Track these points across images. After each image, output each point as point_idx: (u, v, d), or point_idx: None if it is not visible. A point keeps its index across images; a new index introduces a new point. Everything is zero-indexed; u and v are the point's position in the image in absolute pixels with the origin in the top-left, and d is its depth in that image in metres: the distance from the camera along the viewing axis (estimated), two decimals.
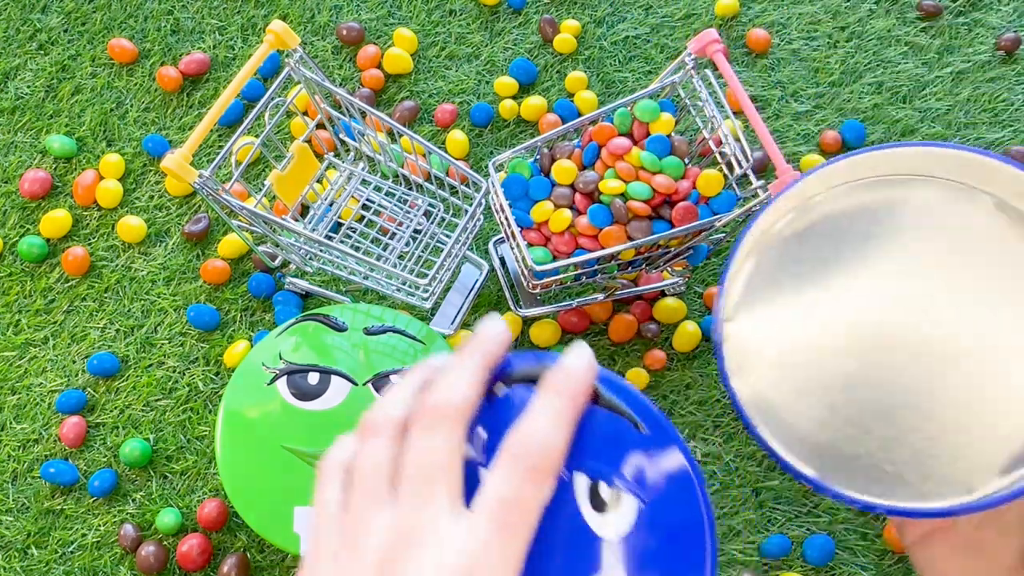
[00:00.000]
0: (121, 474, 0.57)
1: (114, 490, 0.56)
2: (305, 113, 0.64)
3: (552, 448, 0.27)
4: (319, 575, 0.26)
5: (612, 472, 0.32)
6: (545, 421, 0.27)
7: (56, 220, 0.61)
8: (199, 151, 0.64)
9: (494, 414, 0.32)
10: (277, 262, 0.59)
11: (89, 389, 0.59)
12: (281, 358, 0.49)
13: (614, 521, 0.31)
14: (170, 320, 0.60)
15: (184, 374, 0.59)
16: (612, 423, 0.32)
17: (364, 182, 0.59)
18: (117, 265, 0.61)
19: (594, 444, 0.32)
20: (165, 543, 0.55)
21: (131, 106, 0.65)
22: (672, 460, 0.32)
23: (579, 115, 0.65)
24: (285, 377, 0.48)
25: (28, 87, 0.66)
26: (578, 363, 0.29)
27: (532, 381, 0.32)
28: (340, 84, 0.66)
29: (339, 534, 0.27)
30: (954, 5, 0.69)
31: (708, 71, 0.51)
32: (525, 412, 0.29)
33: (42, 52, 0.67)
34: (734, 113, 0.65)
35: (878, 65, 0.67)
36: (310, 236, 0.48)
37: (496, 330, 0.30)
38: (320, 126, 0.63)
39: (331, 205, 0.58)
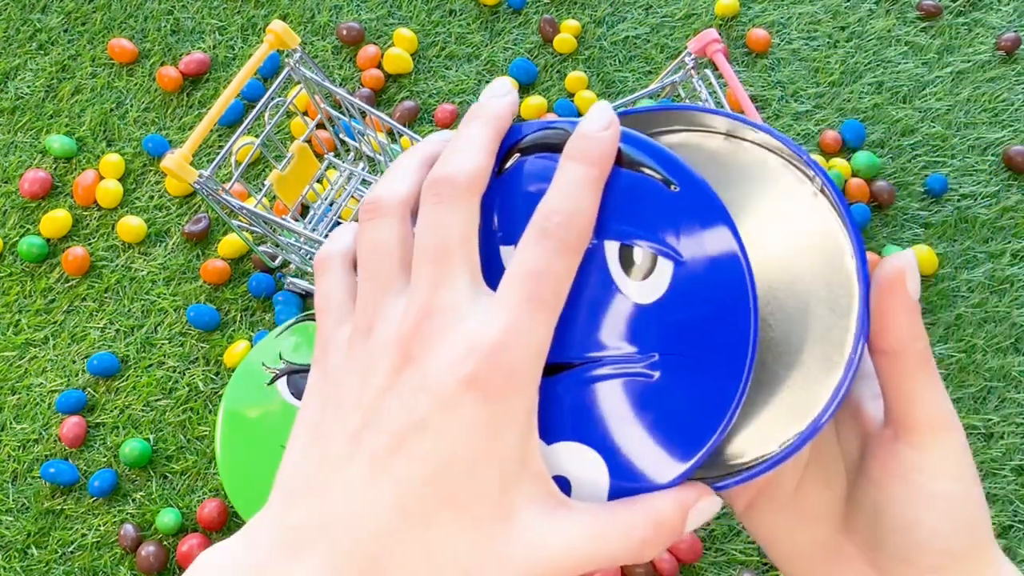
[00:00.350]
0: (121, 474, 0.57)
1: (114, 490, 0.56)
2: (305, 113, 0.64)
3: (580, 217, 0.25)
4: (331, 368, 0.24)
5: (642, 234, 0.29)
6: (571, 190, 0.25)
7: (56, 220, 0.61)
8: (199, 151, 0.64)
9: (505, 187, 0.30)
10: (277, 262, 0.59)
11: (89, 389, 0.59)
12: (281, 358, 0.49)
13: (648, 284, 0.29)
14: (170, 320, 0.60)
15: (184, 374, 0.59)
16: (639, 184, 0.30)
17: (364, 182, 0.59)
18: (117, 265, 0.61)
19: (622, 208, 0.29)
20: (165, 543, 0.55)
21: (131, 106, 0.65)
22: (707, 216, 0.29)
23: (579, 115, 0.65)
24: (285, 377, 0.48)
25: (28, 87, 0.66)
26: (599, 125, 0.26)
27: (545, 149, 0.29)
28: (340, 84, 0.66)
29: (349, 323, 0.24)
30: (954, 5, 0.69)
31: (708, 71, 0.51)
32: (551, 183, 0.26)
33: (42, 52, 0.67)
34: None
35: (878, 65, 0.67)
36: (310, 236, 0.48)
37: (503, 92, 0.27)
38: (320, 126, 0.63)
39: (331, 205, 0.58)
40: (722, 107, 0.58)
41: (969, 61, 0.67)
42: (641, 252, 0.29)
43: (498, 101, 0.27)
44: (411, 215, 0.26)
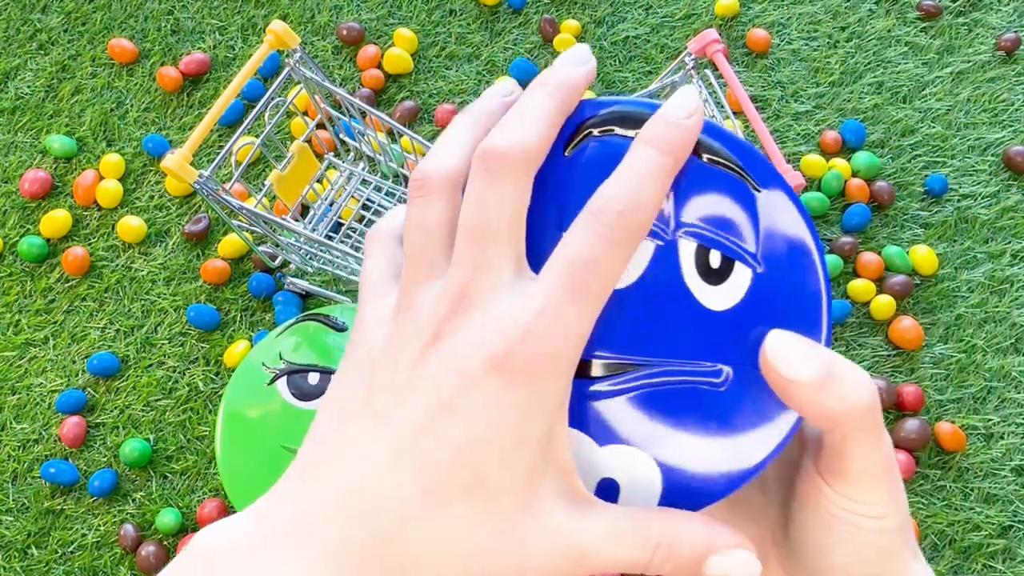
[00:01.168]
0: (121, 474, 0.57)
1: (114, 490, 0.56)
2: (305, 113, 0.64)
3: (641, 206, 0.23)
4: (365, 344, 0.23)
5: (722, 235, 0.28)
6: (637, 178, 0.23)
7: (56, 220, 0.61)
8: (199, 151, 0.64)
9: (572, 168, 0.27)
10: (277, 262, 0.59)
11: (89, 389, 0.59)
12: (281, 358, 0.49)
13: (723, 291, 0.28)
14: (170, 320, 0.60)
15: (184, 374, 0.59)
16: (720, 179, 0.28)
17: (364, 182, 0.59)
18: (117, 265, 0.61)
19: (701, 204, 0.28)
20: (165, 543, 0.55)
21: (131, 106, 0.65)
22: (789, 219, 0.28)
23: None
24: (285, 377, 0.48)
25: (28, 87, 0.66)
26: (684, 112, 0.24)
27: (622, 126, 0.27)
28: (340, 84, 0.66)
29: (387, 301, 0.24)
30: (954, 5, 0.69)
31: (708, 71, 0.51)
32: (618, 166, 0.25)
33: (42, 52, 0.67)
34: (734, 113, 0.65)
35: (878, 65, 0.67)
36: (310, 236, 0.48)
37: (582, 60, 0.24)
38: (320, 126, 0.63)
39: (331, 205, 0.58)
40: (722, 107, 0.58)
41: (969, 61, 0.67)
42: (719, 255, 0.28)
43: (573, 69, 0.24)
44: (460, 190, 0.24)
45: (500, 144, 0.23)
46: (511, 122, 0.23)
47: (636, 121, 0.27)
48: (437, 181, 0.24)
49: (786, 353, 0.25)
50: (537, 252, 0.26)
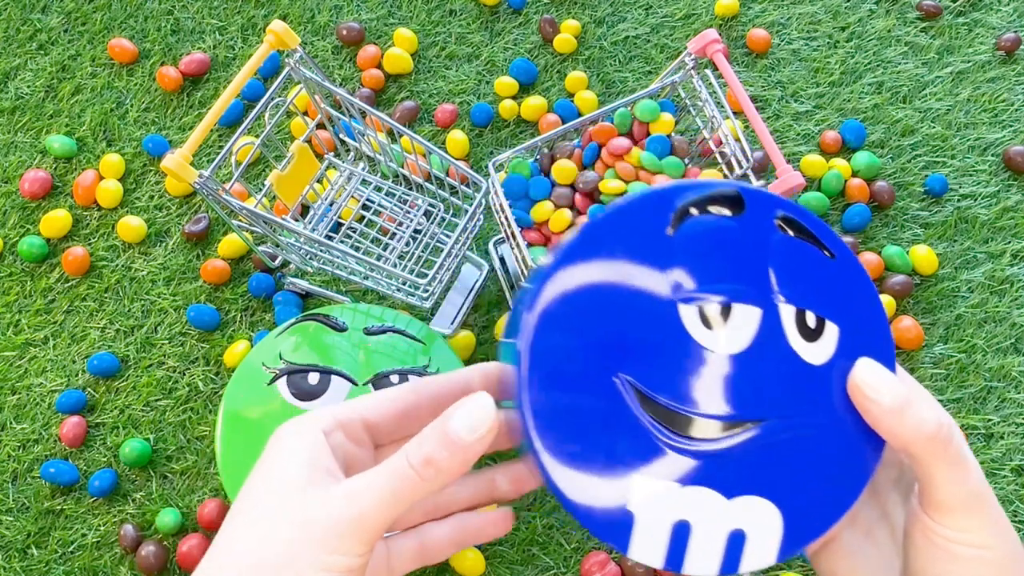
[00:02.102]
0: (121, 474, 0.57)
1: (114, 490, 0.56)
2: (305, 113, 0.64)
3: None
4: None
5: (816, 300, 0.32)
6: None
7: (56, 220, 0.61)
8: (199, 151, 0.64)
9: (672, 242, 0.32)
10: (277, 262, 0.59)
11: (89, 389, 0.59)
12: (281, 358, 0.49)
13: (820, 347, 0.32)
14: (170, 320, 0.60)
15: (184, 374, 0.59)
16: (805, 251, 0.33)
17: (364, 182, 0.59)
18: (117, 265, 0.61)
19: (796, 274, 0.32)
20: (165, 543, 0.55)
21: (131, 106, 0.65)
22: (859, 279, 0.33)
23: (579, 115, 0.65)
24: (285, 377, 0.48)
25: (28, 87, 0.66)
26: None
27: (712, 204, 0.32)
28: (340, 84, 0.66)
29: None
30: (954, 5, 0.69)
31: (708, 71, 0.51)
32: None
33: (42, 52, 0.67)
34: (734, 113, 0.65)
35: (878, 65, 0.67)
36: (310, 236, 0.48)
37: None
38: (320, 126, 0.63)
39: (331, 205, 0.58)
40: (722, 107, 0.58)
41: (969, 61, 0.67)
42: (814, 316, 0.32)
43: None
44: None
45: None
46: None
47: (721, 204, 0.32)
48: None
49: (872, 379, 0.30)
50: (647, 314, 0.31)
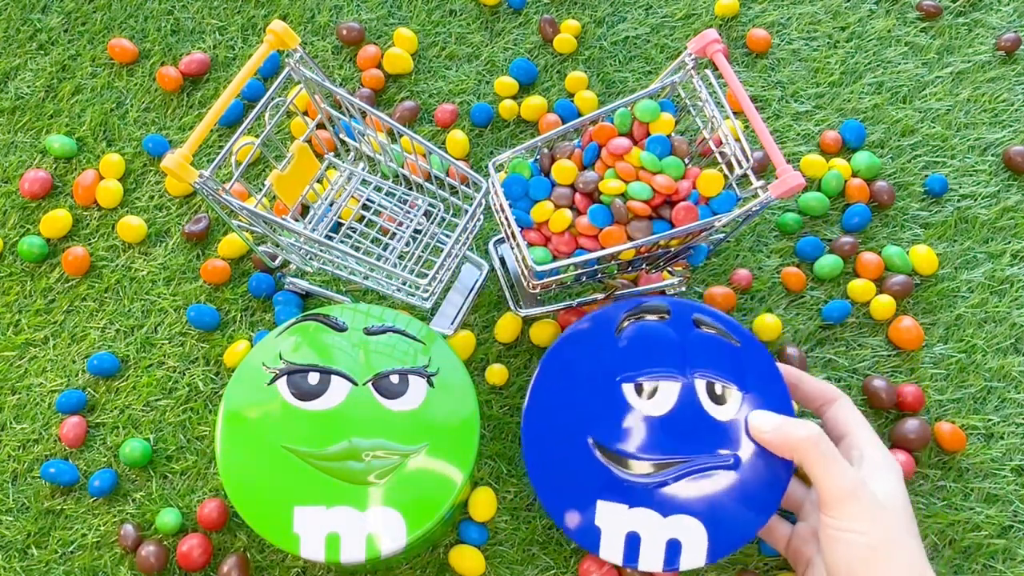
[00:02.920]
0: (121, 474, 0.57)
1: (114, 490, 0.56)
2: (305, 113, 0.64)
3: None
4: None
5: (722, 375, 0.47)
6: None
7: (56, 220, 0.61)
8: (199, 151, 0.64)
9: (619, 341, 0.48)
10: (277, 262, 0.59)
11: (89, 389, 0.59)
12: (281, 358, 0.49)
13: (727, 408, 0.47)
14: (170, 320, 0.60)
15: (184, 374, 0.59)
16: (715, 341, 0.48)
17: (364, 182, 0.59)
18: (117, 265, 0.61)
19: (707, 357, 0.47)
20: (165, 543, 0.55)
21: (131, 106, 0.65)
22: (761, 361, 0.48)
23: (579, 115, 0.65)
24: (285, 377, 0.48)
25: (28, 87, 0.66)
26: None
27: (646, 313, 0.49)
28: (340, 84, 0.66)
29: None
30: (954, 5, 0.69)
31: (708, 71, 0.51)
32: None
33: (42, 52, 0.67)
34: (734, 113, 0.65)
35: (878, 65, 0.67)
36: (310, 236, 0.48)
37: None
38: (320, 126, 0.63)
39: (331, 205, 0.58)
40: (722, 107, 0.58)
41: (969, 61, 0.67)
42: (721, 386, 0.47)
43: None
44: None
45: None
46: None
47: (653, 311, 0.49)
48: None
49: (759, 419, 0.47)
50: (603, 391, 0.48)
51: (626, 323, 0.48)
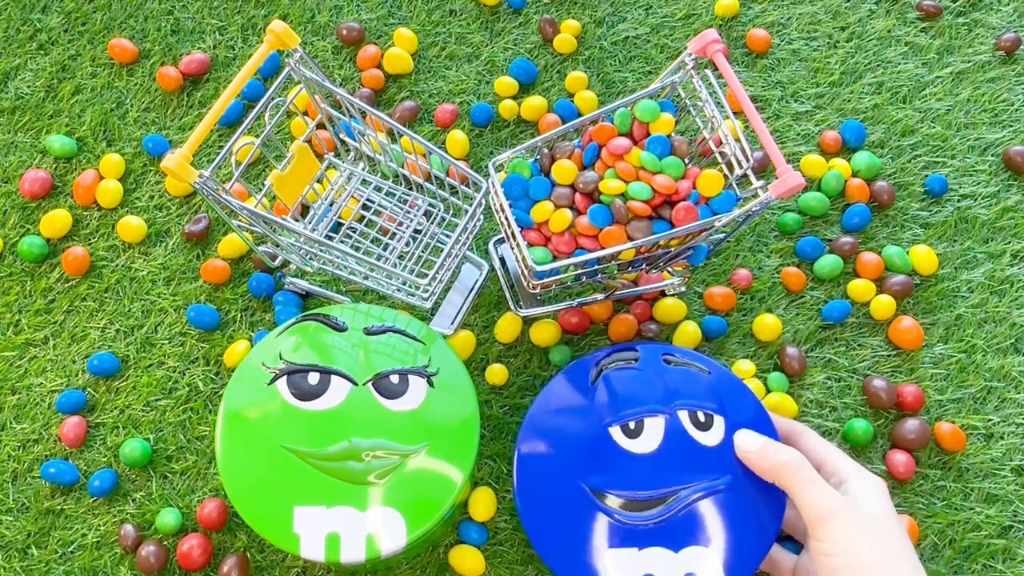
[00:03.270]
0: (121, 474, 0.57)
1: (114, 490, 0.56)
2: (305, 113, 0.64)
3: None
4: None
5: (702, 403, 0.49)
6: None
7: (56, 220, 0.61)
8: (199, 151, 0.64)
9: (596, 388, 0.49)
10: (277, 262, 0.59)
11: (89, 389, 0.59)
12: (281, 358, 0.49)
13: (712, 434, 0.48)
14: (170, 320, 0.60)
15: (184, 374, 0.59)
16: (688, 373, 0.50)
17: (364, 182, 0.59)
18: (117, 265, 0.61)
19: (684, 389, 0.49)
20: (165, 543, 0.55)
21: (131, 106, 0.65)
22: (732, 385, 0.50)
23: (579, 115, 0.65)
24: (285, 377, 0.48)
25: (28, 87, 0.66)
26: None
27: (618, 361, 0.50)
28: (340, 84, 0.66)
29: None
30: (954, 5, 0.69)
31: (708, 71, 0.51)
32: None
33: (42, 52, 0.67)
34: (734, 113, 0.65)
35: (878, 65, 0.67)
36: (310, 236, 0.48)
37: None
38: (320, 126, 0.63)
39: (331, 205, 0.58)
40: (722, 107, 0.58)
41: (969, 61, 0.67)
42: (703, 412, 0.49)
43: None
44: None
45: None
46: None
47: (624, 359, 0.51)
48: None
49: (743, 440, 0.48)
50: (591, 440, 0.48)
51: (599, 372, 0.50)
